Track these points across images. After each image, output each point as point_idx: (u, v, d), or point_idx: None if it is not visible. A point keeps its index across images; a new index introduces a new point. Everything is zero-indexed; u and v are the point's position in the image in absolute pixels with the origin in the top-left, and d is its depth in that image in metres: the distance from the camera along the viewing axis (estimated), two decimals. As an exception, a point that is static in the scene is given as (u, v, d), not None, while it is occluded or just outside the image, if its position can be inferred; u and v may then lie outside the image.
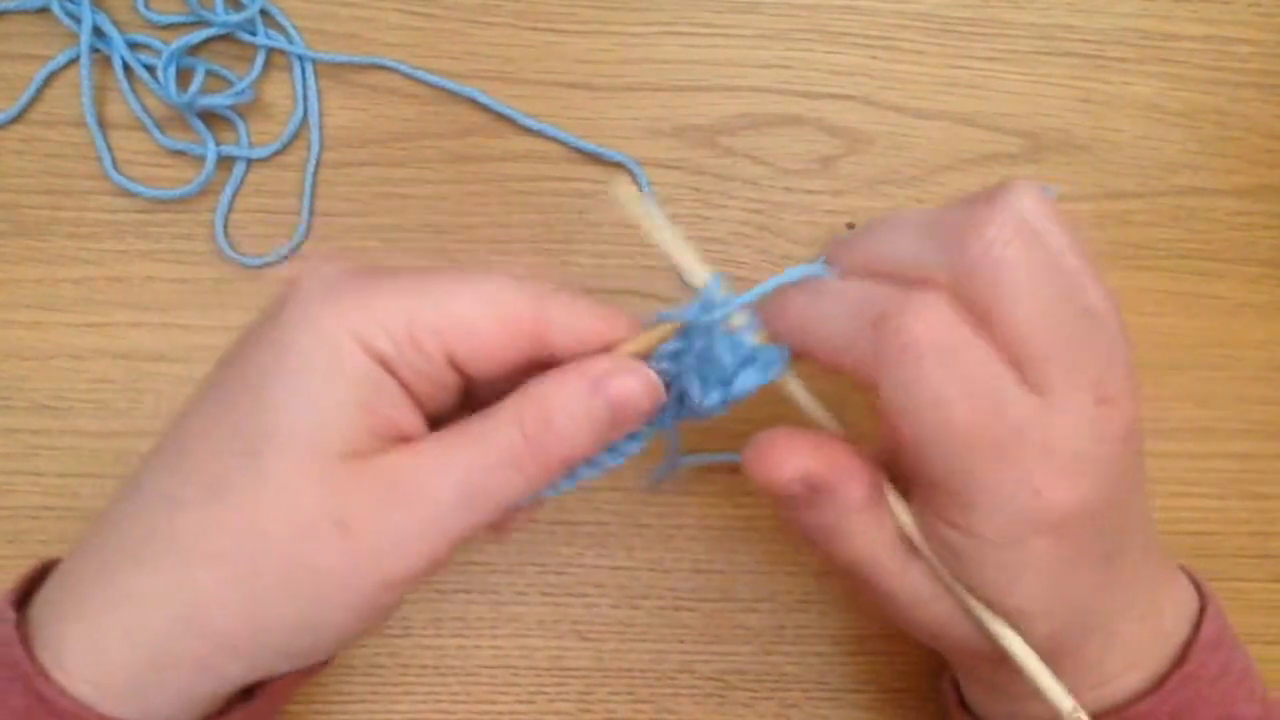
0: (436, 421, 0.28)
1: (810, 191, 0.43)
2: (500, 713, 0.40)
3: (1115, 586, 0.30)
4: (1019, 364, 0.26)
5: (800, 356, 0.29)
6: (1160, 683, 0.30)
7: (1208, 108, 0.45)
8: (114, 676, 0.26)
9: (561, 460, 0.27)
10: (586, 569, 0.41)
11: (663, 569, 0.41)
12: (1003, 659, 0.29)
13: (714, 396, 0.27)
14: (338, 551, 0.25)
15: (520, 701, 0.40)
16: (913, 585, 0.29)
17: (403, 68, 0.42)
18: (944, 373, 0.25)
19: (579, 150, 0.42)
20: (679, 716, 0.40)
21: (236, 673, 0.27)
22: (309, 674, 0.33)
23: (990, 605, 0.28)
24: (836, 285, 0.28)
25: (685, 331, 0.27)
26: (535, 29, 0.43)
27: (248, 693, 0.29)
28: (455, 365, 0.27)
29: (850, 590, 0.31)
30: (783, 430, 0.29)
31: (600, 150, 0.42)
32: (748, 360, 0.27)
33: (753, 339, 0.27)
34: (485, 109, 0.42)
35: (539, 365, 0.28)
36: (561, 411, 0.27)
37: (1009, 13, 0.45)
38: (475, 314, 0.27)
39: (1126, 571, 0.30)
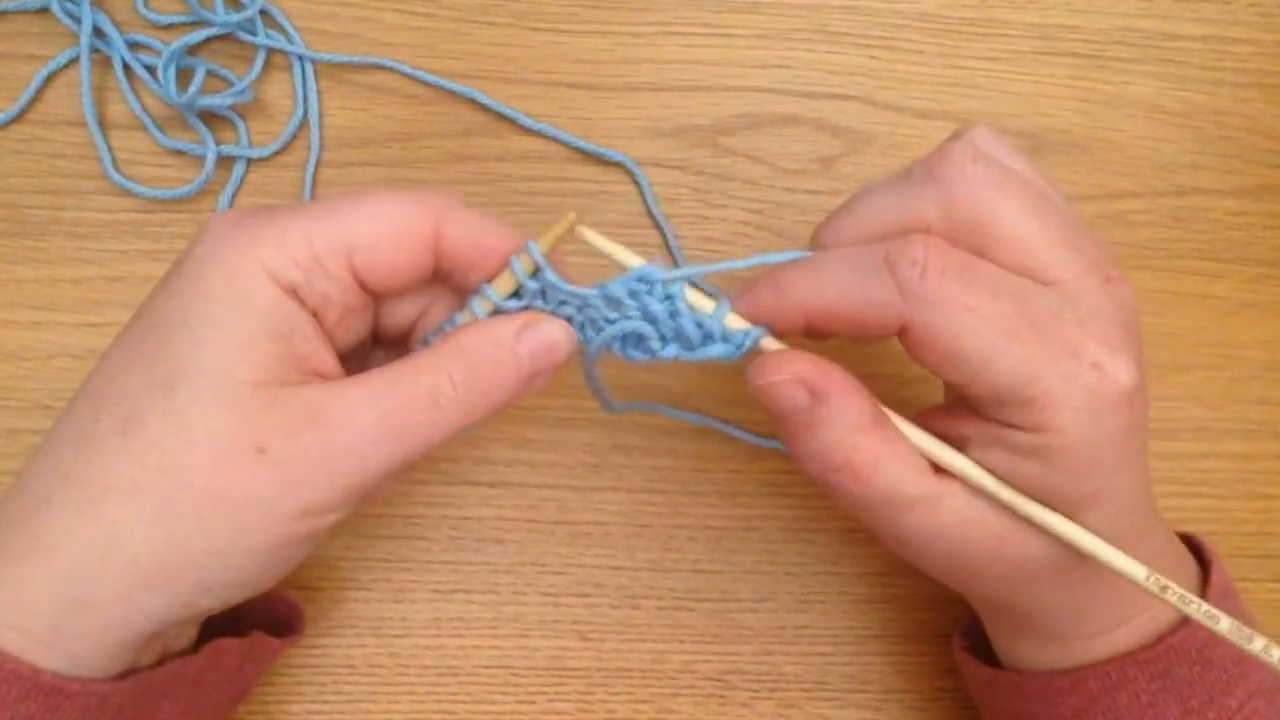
0: (351, 360, 0.30)
1: (810, 191, 0.43)
2: (500, 713, 0.40)
3: (1147, 500, 0.30)
4: (1024, 270, 0.28)
5: (812, 328, 0.29)
6: (1186, 618, 0.31)
7: (1208, 108, 0.45)
8: (35, 620, 0.26)
9: (485, 407, 0.28)
10: (586, 569, 0.41)
11: (663, 569, 0.41)
12: (1066, 568, 0.29)
13: (670, 349, 0.30)
14: (254, 477, 0.25)
15: (520, 701, 0.40)
16: (956, 513, 0.28)
17: (403, 68, 0.42)
18: (966, 284, 0.27)
19: (579, 150, 0.42)
20: (679, 716, 0.40)
21: (156, 607, 0.26)
22: (262, 653, 0.33)
23: (1063, 507, 0.28)
24: (833, 253, 0.29)
25: (620, 290, 0.29)
26: (535, 29, 0.43)
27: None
28: (362, 284, 0.28)
29: (887, 542, 0.31)
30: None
31: (600, 150, 0.42)
32: (713, 337, 0.29)
33: (723, 320, 0.29)
34: (485, 109, 0.42)
35: (441, 282, 0.29)
36: (488, 358, 0.28)
37: (1009, 13, 0.45)
38: (375, 230, 0.28)
39: (1148, 489, 0.30)
